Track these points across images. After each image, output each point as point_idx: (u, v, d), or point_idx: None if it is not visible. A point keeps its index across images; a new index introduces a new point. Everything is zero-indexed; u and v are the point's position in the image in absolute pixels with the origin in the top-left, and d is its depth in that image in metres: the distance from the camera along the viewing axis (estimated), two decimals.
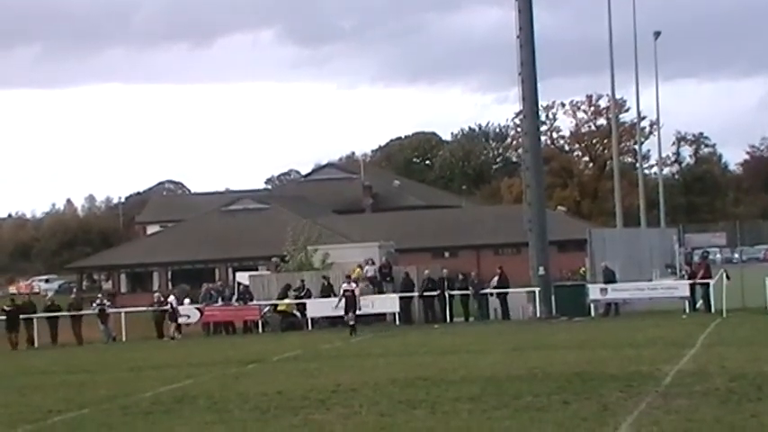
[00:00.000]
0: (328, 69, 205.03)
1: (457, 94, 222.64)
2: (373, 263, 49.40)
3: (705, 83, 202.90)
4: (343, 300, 42.46)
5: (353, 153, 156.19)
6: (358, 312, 46.07)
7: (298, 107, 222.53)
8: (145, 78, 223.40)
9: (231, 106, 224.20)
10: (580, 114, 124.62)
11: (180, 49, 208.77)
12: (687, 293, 44.59)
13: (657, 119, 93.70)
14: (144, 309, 51.02)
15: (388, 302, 47.27)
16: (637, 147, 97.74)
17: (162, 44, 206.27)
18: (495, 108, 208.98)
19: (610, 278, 46.01)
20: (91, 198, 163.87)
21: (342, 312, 44.99)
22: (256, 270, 64.19)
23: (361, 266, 49.13)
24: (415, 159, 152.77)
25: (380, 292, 48.23)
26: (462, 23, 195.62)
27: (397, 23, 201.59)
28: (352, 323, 41.69)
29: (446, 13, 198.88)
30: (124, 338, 48.87)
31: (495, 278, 48.05)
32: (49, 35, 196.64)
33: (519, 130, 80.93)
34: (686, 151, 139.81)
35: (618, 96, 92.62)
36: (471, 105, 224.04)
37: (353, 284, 42.84)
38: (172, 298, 49.36)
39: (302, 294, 48.04)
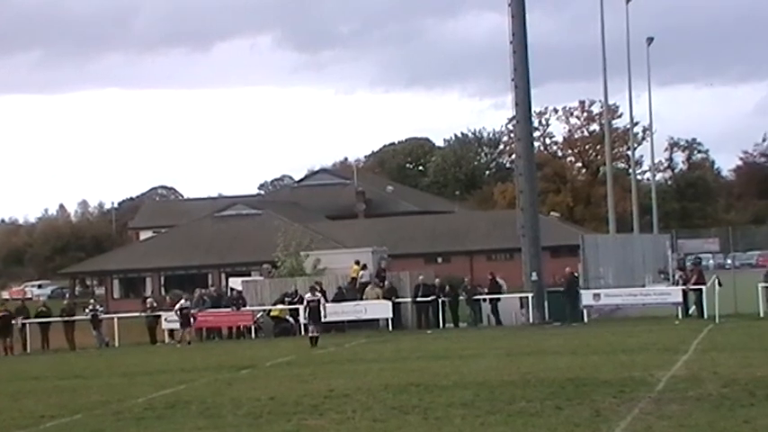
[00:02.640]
0: (327, 74, 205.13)
1: (454, 99, 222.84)
2: (366, 267, 49.37)
3: (702, 88, 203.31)
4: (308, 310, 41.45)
5: (347, 159, 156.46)
6: (355, 317, 46.00)
7: (295, 112, 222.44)
8: (143, 83, 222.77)
9: (229, 111, 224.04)
10: (573, 120, 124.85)
11: (178, 53, 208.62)
12: (680, 299, 44.57)
13: (650, 124, 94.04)
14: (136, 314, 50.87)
15: (380, 308, 47.17)
16: (630, 152, 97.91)
17: (160, 49, 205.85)
18: (492, 113, 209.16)
19: (573, 285, 45.91)
20: (84, 203, 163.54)
21: (337, 317, 44.96)
22: (249, 275, 64.10)
23: (358, 263, 49.05)
24: (408, 165, 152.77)
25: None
26: (461, 29, 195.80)
27: (396, 28, 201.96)
28: (314, 335, 39.99)
29: (445, 19, 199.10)
30: (117, 344, 48.83)
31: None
32: (48, 41, 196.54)
33: (512, 135, 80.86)
34: (679, 157, 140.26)
35: (611, 102, 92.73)
36: (469, 111, 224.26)
37: (318, 294, 42.20)
38: (183, 302, 47.27)
39: (295, 300, 47.90)
